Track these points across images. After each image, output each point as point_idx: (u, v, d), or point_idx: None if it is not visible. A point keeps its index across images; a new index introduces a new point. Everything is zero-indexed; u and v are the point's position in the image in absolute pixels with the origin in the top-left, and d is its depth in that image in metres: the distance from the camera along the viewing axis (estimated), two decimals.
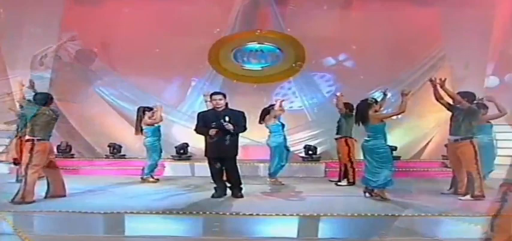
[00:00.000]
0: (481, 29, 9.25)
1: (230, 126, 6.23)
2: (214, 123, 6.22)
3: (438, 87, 6.40)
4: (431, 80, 6.50)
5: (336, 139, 8.06)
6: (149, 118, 8.17)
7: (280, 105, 7.99)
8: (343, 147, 7.81)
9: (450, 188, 6.81)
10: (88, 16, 10.41)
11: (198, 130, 6.51)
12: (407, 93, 6.16)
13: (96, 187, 7.43)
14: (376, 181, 6.12)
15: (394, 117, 7.28)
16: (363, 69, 10.83)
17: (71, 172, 9.19)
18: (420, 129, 10.31)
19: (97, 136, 10.69)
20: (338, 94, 7.99)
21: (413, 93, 6.46)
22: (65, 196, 6.35)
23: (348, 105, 7.72)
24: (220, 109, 6.43)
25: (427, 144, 10.36)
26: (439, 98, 6.53)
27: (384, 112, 6.82)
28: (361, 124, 6.31)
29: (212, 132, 6.24)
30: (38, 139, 5.94)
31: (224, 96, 6.53)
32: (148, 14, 10.67)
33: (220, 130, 6.24)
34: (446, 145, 7.21)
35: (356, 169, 7.68)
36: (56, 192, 6.30)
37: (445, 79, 6.41)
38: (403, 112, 6.33)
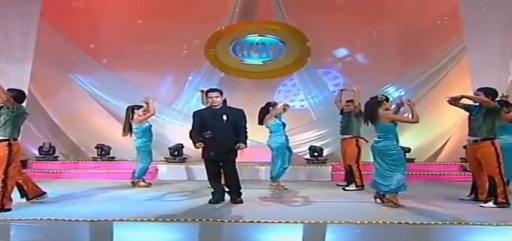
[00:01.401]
0: (505, 18, 9.14)
1: (243, 147, 6.32)
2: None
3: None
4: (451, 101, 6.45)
5: (343, 139, 8.03)
6: (143, 113, 8.13)
7: (284, 109, 7.97)
8: (352, 148, 7.79)
9: (470, 194, 6.76)
10: (72, 2, 10.37)
11: (192, 135, 6.49)
12: (412, 103, 6.24)
13: (82, 192, 7.39)
14: (388, 185, 6.08)
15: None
16: (373, 63, 10.80)
17: (55, 176, 9.23)
18: (436, 129, 10.24)
19: (83, 137, 10.67)
20: (355, 89, 7.89)
21: (411, 102, 6.41)
22: (45, 193, 6.33)
23: (352, 102, 7.75)
24: (217, 107, 6.40)
25: (444, 145, 10.31)
26: (453, 103, 6.52)
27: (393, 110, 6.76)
28: (370, 123, 6.26)
29: (199, 145, 6.29)
30: (14, 139, 5.88)
31: (221, 93, 6.51)
32: (140, 3, 10.64)
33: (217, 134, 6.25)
34: (465, 147, 7.16)
35: (362, 172, 7.72)
36: (35, 192, 6.27)
37: (461, 97, 6.42)
38: (416, 122, 6.27)
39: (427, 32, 10.21)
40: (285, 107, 8.05)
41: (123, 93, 10.33)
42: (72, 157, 10.57)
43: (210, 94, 6.46)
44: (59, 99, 10.56)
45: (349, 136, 7.89)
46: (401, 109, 6.66)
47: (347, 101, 8.09)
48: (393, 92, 9.96)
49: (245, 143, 6.38)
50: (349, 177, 7.90)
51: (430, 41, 10.27)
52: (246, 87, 10.89)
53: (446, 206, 6.22)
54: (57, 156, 10.19)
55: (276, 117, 7.87)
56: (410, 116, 6.37)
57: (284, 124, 7.98)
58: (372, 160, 6.49)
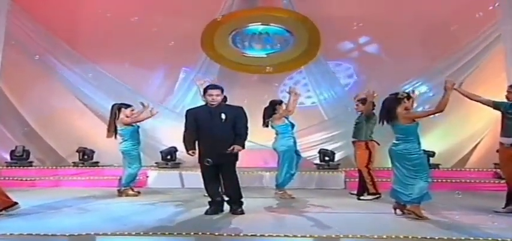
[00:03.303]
0: None
1: (239, 149, 6.29)
2: (209, 160, 6.25)
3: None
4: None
5: (353, 143, 8.08)
6: (130, 113, 8.14)
7: (295, 95, 7.95)
8: (362, 152, 7.83)
9: (506, 205, 6.70)
10: None
11: (185, 138, 6.47)
12: (451, 86, 5.93)
13: (60, 202, 7.38)
14: (409, 194, 6.06)
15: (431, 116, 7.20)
16: (392, 56, 10.78)
17: (29, 184, 9.24)
18: (465, 130, 10.24)
19: (62, 139, 10.66)
20: (373, 92, 7.81)
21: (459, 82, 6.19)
22: (17, 204, 6.30)
23: (365, 101, 7.78)
24: (214, 105, 6.38)
25: (474, 148, 10.31)
26: (472, 97, 6.47)
27: (419, 110, 6.73)
28: (386, 123, 6.23)
29: (192, 153, 6.33)
30: None
31: (222, 90, 6.50)
32: None
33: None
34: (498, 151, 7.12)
35: (375, 179, 7.75)
36: (5, 203, 6.23)
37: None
38: (441, 111, 6.19)
39: (455, 20, 10.17)
40: (296, 95, 7.98)
41: (108, 90, 10.34)
42: (49, 162, 10.55)
43: (210, 91, 6.43)
44: (34, 97, 10.56)
45: (357, 139, 7.91)
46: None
47: (359, 99, 8.09)
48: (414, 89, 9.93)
49: (242, 145, 6.35)
50: (361, 185, 7.91)
51: (458, 29, 10.24)
52: (247, 83, 10.88)
53: (478, 219, 6.17)
54: (31, 162, 10.16)
55: (285, 117, 7.87)
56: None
57: (292, 125, 7.98)
58: (389, 165, 6.47)
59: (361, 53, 11.14)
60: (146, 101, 8.48)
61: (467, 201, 7.65)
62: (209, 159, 6.26)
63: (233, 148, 6.26)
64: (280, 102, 8.14)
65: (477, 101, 6.56)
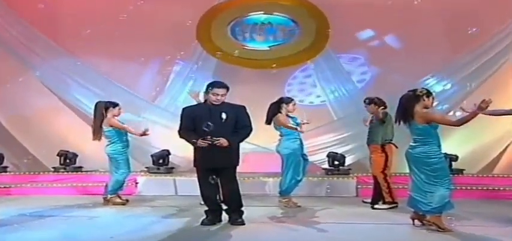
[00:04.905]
0: None
1: (224, 142, 6.20)
2: (214, 177, 6.27)
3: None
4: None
5: (368, 146, 8.10)
6: (118, 112, 8.16)
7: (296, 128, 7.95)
8: (377, 155, 7.85)
9: None
10: None
11: (182, 134, 6.48)
12: (485, 107, 5.66)
13: (39, 212, 7.37)
14: (428, 203, 6.05)
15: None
16: (409, 49, 10.77)
17: (3, 192, 9.22)
18: (492, 131, 10.15)
19: (41, 142, 10.65)
20: (382, 109, 7.76)
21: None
22: None
23: (371, 101, 7.83)
24: (215, 104, 6.38)
25: (503, 152, 10.33)
26: (497, 114, 6.55)
27: (438, 109, 6.70)
28: (402, 122, 6.21)
29: (201, 143, 6.23)
30: None
31: (228, 90, 6.45)
32: None
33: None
34: None
35: (392, 186, 7.75)
36: None
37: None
38: (458, 125, 6.14)
39: (480, 9, 10.16)
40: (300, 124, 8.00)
41: (94, 86, 10.37)
42: (25, 167, 10.52)
43: (216, 90, 6.37)
44: (9, 95, 10.55)
45: (372, 143, 7.93)
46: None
47: (364, 99, 8.12)
48: (434, 85, 9.93)
49: (231, 141, 6.26)
50: (376, 192, 7.92)
51: (483, 20, 10.23)
52: (247, 79, 10.87)
53: (507, 231, 6.15)
54: (6, 167, 10.14)
55: (287, 115, 7.88)
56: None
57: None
58: (407, 170, 6.47)
59: (376, 46, 11.11)
60: (150, 129, 8.38)
61: (494, 210, 7.62)
62: (214, 176, 6.29)
63: (215, 141, 6.16)
64: (289, 101, 8.10)
65: (504, 115, 6.54)
